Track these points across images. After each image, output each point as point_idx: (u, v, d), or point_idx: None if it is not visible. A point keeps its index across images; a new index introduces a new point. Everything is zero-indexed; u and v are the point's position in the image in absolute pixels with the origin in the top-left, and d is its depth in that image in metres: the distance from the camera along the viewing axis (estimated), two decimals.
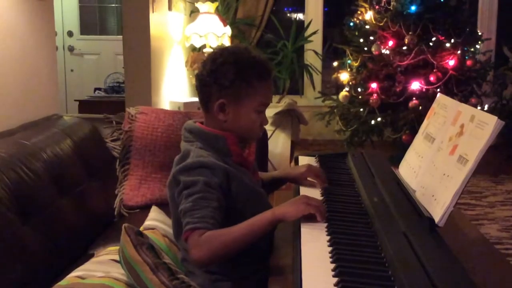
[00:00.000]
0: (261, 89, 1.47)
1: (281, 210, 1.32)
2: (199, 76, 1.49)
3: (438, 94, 1.62)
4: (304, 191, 1.59)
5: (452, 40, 4.56)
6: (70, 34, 6.16)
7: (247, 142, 1.56)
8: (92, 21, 6.32)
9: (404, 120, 4.54)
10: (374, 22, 4.70)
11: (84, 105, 5.04)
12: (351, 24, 4.99)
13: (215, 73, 1.44)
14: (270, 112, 4.12)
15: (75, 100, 5.34)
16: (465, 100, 4.47)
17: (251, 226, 1.31)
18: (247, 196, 1.45)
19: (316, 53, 5.52)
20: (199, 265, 1.34)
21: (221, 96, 1.44)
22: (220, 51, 1.49)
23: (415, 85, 4.55)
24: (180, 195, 1.37)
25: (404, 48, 4.56)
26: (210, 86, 1.45)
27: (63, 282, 1.41)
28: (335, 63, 5.07)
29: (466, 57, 4.66)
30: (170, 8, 4.25)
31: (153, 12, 3.74)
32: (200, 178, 1.36)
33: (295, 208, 1.32)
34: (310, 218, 1.33)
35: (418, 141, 1.60)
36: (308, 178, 1.66)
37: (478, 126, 1.22)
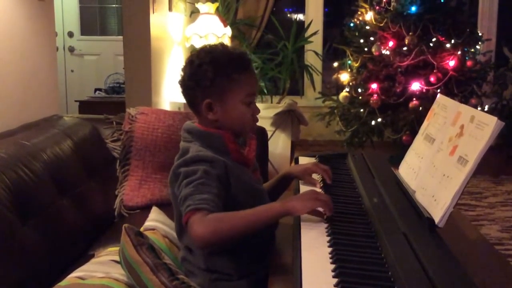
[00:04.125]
0: (243, 81, 1.47)
1: (291, 203, 1.32)
2: (181, 82, 1.51)
3: (438, 95, 1.62)
4: (304, 189, 1.59)
5: (452, 41, 4.56)
6: (70, 34, 6.17)
7: (245, 138, 1.56)
8: (92, 22, 6.33)
9: (404, 120, 4.54)
10: (374, 22, 4.71)
11: (84, 106, 5.04)
12: (351, 24, 5.00)
13: (195, 76, 1.46)
14: (270, 112, 4.12)
15: (75, 101, 5.35)
16: (465, 100, 4.47)
17: (259, 213, 1.31)
18: (246, 193, 1.46)
19: (316, 53, 5.52)
20: (202, 243, 1.31)
21: (205, 97, 1.46)
22: (196, 53, 1.51)
23: (415, 86, 4.55)
24: (180, 187, 1.38)
25: (404, 48, 4.56)
26: (193, 89, 1.47)
27: (63, 282, 1.41)
28: (335, 64, 5.07)
29: (466, 58, 4.66)
30: (170, 9, 4.26)
31: (153, 12, 3.74)
32: (200, 167, 1.37)
33: (304, 203, 1.32)
34: (315, 213, 1.34)
35: (418, 141, 1.60)
36: (313, 175, 1.66)
37: (478, 126, 1.22)
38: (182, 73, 1.50)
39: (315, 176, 1.68)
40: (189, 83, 1.48)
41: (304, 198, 1.34)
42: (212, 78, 1.44)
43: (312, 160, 1.93)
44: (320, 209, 1.34)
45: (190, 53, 1.55)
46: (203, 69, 1.45)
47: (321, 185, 1.63)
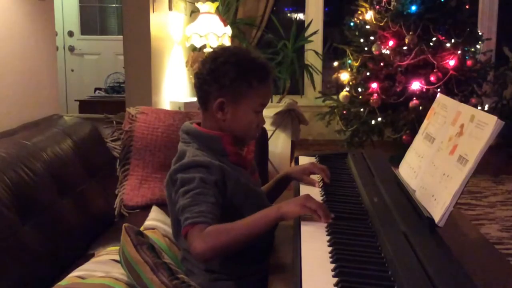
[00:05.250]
0: (261, 90, 1.47)
1: (284, 209, 1.32)
2: (199, 75, 1.49)
3: (438, 94, 1.62)
4: (304, 189, 1.59)
5: (453, 40, 4.56)
6: (70, 34, 6.17)
7: (243, 144, 1.55)
8: (92, 21, 6.33)
9: (404, 120, 4.55)
10: (374, 22, 4.71)
11: (85, 105, 5.04)
12: (352, 24, 5.00)
13: (216, 72, 1.45)
14: (270, 112, 4.12)
15: (75, 100, 5.35)
16: (465, 100, 4.47)
17: (255, 221, 1.31)
18: (244, 196, 1.45)
19: (316, 53, 5.52)
20: (201, 259, 1.32)
21: (220, 95, 1.45)
22: (222, 51, 1.50)
23: (416, 85, 4.56)
24: (177, 194, 1.38)
25: (405, 48, 4.56)
26: (210, 85, 1.46)
27: (63, 282, 1.41)
28: (336, 63, 5.08)
29: (467, 57, 4.66)
30: (170, 8, 4.26)
31: (153, 12, 3.74)
32: (196, 175, 1.36)
33: (293, 208, 1.31)
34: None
35: (418, 141, 1.60)
36: (311, 176, 1.66)
37: (478, 126, 1.22)
38: (201, 67, 1.49)
39: (314, 176, 1.67)
40: (207, 78, 1.46)
41: (294, 203, 1.32)
42: (232, 78, 1.43)
43: (312, 159, 1.93)
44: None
45: (213, 51, 1.54)
46: (226, 68, 1.43)
47: (321, 185, 1.63)
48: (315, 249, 1.19)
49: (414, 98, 4.50)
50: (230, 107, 1.46)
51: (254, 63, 1.47)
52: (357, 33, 4.90)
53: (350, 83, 4.82)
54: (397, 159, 1.72)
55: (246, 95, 1.45)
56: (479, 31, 5.03)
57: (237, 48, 1.54)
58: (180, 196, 1.35)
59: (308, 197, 1.34)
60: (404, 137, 4.49)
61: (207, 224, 1.28)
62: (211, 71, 1.45)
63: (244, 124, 1.48)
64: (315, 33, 5.36)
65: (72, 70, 6.17)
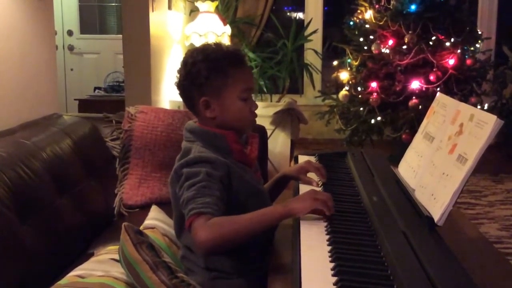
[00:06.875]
0: (238, 76, 1.47)
1: (291, 206, 1.32)
2: (178, 84, 1.51)
3: (438, 93, 1.62)
4: (304, 188, 1.59)
5: (452, 39, 4.56)
6: (70, 33, 6.16)
7: (247, 136, 1.56)
8: (92, 20, 6.32)
9: (404, 119, 4.54)
10: (374, 21, 4.70)
11: (84, 104, 5.04)
12: (351, 23, 5.00)
13: (189, 75, 1.46)
14: (269, 111, 4.12)
15: (75, 99, 5.34)
16: (465, 99, 4.47)
17: (261, 216, 1.31)
18: (248, 194, 1.46)
19: (316, 52, 5.51)
20: (204, 249, 1.32)
21: (202, 94, 1.46)
22: (189, 53, 1.51)
23: (415, 84, 4.56)
24: (181, 188, 1.38)
25: (404, 47, 4.56)
26: (189, 89, 1.47)
27: (62, 281, 1.41)
28: (335, 62, 5.07)
29: (466, 56, 4.66)
30: (170, 7, 4.26)
31: (152, 11, 3.74)
32: (202, 169, 1.37)
33: (304, 204, 1.32)
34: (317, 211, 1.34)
35: (418, 140, 1.60)
36: (310, 174, 1.66)
37: (477, 125, 1.22)
38: (177, 75, 1.51)
39: (313, 175, 1.67)
40: (184, 83, 1.48)
41: (303, 198, 1.34)
42: (206, 75, 1.44)
43: (311, 158, 1.93)
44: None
45: (183, 57, 1.55)
46: (197, 67, 1.45)
47: (320, 184, 1.62)
48: (314, 248, 1.19)
49: (414, 97, 4.50)
50: (215, 103, 1.46)
51: (222, 52, 1.48)
52: (356, 32, 4.89)
53: (350, 82, 4.82)
54: (397, 158, 1.72)
55: (225, 86, 1.46)
56: (478, 30, 5.03)
57: (203, 45, 1.54)
58: (185, 189, 1.36)
59: (314, 191, 1.36)
60: (403, 136, 4.49)
61: (211, 215, 1.29)
62: (185, 75, 1.47)
63: (235, 114, 1.48)
64: (314, 32, 5.35)
65: (72, 69, 6.17)
